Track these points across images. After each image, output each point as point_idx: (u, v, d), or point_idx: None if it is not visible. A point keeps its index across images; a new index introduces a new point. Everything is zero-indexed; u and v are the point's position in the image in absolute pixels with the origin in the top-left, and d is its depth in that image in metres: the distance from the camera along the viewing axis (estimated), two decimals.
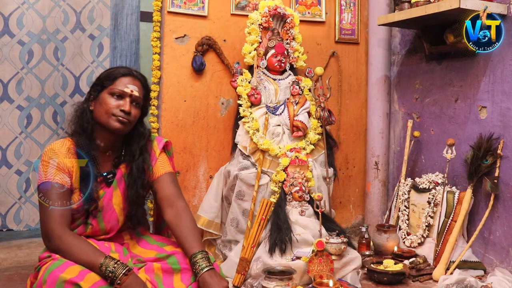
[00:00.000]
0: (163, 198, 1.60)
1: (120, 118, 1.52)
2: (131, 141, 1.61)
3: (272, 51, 2.59)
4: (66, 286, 1.28)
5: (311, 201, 2.37)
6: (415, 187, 2.60)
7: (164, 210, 1.59)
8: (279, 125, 2.54)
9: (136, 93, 1.56)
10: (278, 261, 2.13)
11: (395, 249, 2.45)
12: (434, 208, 2.45)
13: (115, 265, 1.35)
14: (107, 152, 1.59)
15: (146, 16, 2.75)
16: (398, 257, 2.39)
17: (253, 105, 2.58)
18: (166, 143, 1.71)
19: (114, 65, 2.66)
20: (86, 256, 1.37)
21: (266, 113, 2.55)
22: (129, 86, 1.55)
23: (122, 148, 1.62)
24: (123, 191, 1.58)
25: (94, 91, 1.58)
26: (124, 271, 1.34)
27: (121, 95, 1.54)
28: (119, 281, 1.33)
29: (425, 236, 2.47)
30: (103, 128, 1.54)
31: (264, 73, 2.63)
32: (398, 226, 2.62)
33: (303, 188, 2.36)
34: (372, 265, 2.22)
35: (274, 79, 2.63)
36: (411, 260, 2.32)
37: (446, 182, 2.45)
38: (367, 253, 2.45)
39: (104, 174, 1.56)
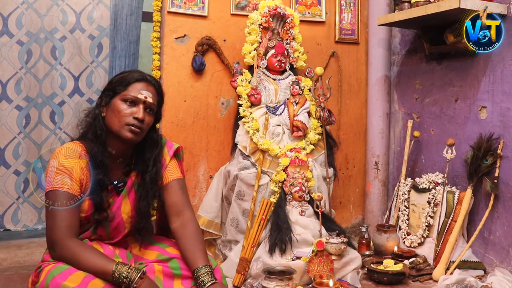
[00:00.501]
0: (170, 206, 1.56)
1: (133, 128, 1.46)
2: (144, 149, 1.56)
3: (272, 51, 2.59)
4: None
5: (311, 201, 2.37)
6: (415, 187, 2.60)
7: (171, 219, 1.56)
8: (279, 125, 2.54)
9: (150, 100, 1.49)
10: (278, 261, 2.13)
11: (395, 249, 2.45)
12: (434, 208, 2.45)
13: (129, 270, 1.33)
14: (118, 159, 1.54)
15: (146, 16, 2.75)
16: (398, 257, 2.39)
17: (253, 105, 2.58)
18: (177, 149, 1.66)
19: (114, 65, 2.65)
20: (95, 264, 1.33)
21: (266, 113, 2.55)
22: (143, 92, 1.48)
23: (133, 155, 1.57)
24: (133, 200, 1.54)
25: (106, 97, 1.49)
26: (139, 274, 1.33)
27: (134, 102, 1.47)
28: (135, 285, 1.32)
29: (425, 236, 2.47)
30: (115, 136, 1.48)
31: (264, 73, 2.63)
32: (398, 226, 2.62)
33: (303, 188, 2.35)
34: (372, 265, 2.22)
35: (274, 79, 2.63)
36: (411, 260, 2.32)
37: (446, 182, 2.45)
38: (367, 253, 2.45)
39: (115, 183, 1.52)
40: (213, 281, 1.41)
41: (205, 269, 1.42)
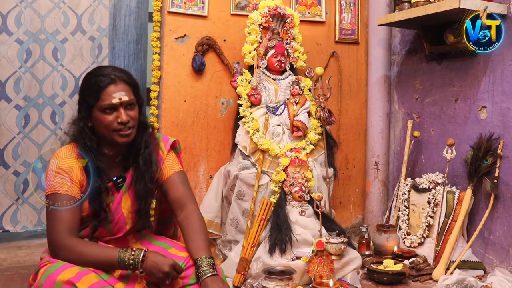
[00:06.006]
0: (174, 201, 1.58)
1: (121, 132, 1.46)
2: (136, 135, 1.55)
3: (272, 51, 2.59)
4: (65, 287, 1.28)
5: (311, 201, 2.37)
6: (415, 187, 2.60)
7: (176, 212, 1.59)
8: (279, 125, 2.54)
9: (125, 98, 1.45)
10: (278, 261, 2.13)
11: (395, 249, 2.45)
12: (434, 208, 2.45)
13: (132, 255, 1.37)
14: (117, 158, 1.55)
15: (145, 16, 2.75)
16: (398, 257, 2.39)
17: (253, 105, 2.58)
18: (174, 142, 1.67)
19: (113, 65, 2.64)
20: (100, 254, 1.38)
21: (266, 113, 2.55)
22: (115, 96, 1.44)
23: (131, 150, 1.57)
24: (132, 195, 1.55)
25: (84, 111, 1.48)
26: (141, 257, 1.36)
27: (112, 108, 1.45)
28: (141, 269, 1.36)
29: (425, 236, 2.47)
30: (109, 141, 1.49)
31: (264, 73, 2.63)
32: (398, 226, 2.62)
33: (303, 188, 2.35)
34: (372, 265, 2.22)
35: (274, 79, 2.63)
36: (411, 260, 2.32)
37: (446, 182, 2.45)
38: (367, 253, 2.45)
39: (114, 179, 1.53)
40: (214, 273, 1.42)
41: (207, 261, 1.44)
